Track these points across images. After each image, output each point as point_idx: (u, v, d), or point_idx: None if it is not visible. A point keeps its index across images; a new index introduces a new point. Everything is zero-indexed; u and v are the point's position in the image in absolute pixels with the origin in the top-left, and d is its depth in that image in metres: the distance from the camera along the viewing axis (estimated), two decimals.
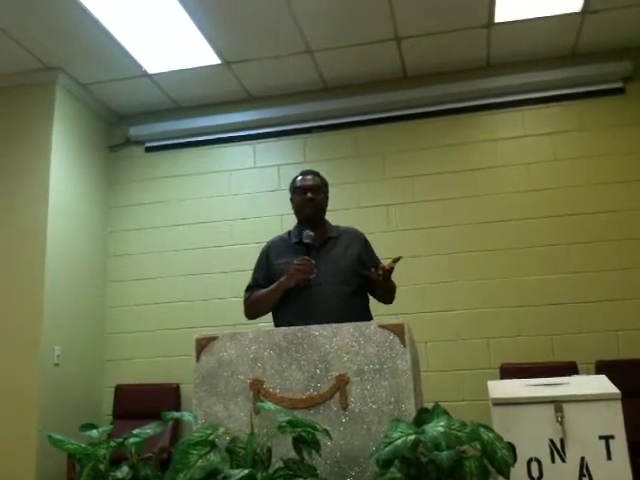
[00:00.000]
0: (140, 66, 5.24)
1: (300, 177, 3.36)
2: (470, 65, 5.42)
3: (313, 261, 3.04)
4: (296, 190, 3.32)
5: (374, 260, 3.26)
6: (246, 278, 5.32)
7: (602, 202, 5.06)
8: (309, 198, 3.25)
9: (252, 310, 3.33)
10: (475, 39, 5.08)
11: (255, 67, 5.34)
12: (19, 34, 4.76)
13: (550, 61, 5.32)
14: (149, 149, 5.97)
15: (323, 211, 3.33)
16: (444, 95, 5.44)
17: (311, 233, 3.15)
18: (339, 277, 3.13)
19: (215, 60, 5.20)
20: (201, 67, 5.30)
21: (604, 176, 5.11)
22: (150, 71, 5.34)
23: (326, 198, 3.36)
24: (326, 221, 3.37)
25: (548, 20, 4.85)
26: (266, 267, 3.33)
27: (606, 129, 5.21)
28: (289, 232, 3.38)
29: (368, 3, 4.57)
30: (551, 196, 5.15)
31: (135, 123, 5.98)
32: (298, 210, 3.33)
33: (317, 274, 3.04)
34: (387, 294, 3.26)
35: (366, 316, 3.13)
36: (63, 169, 5.29)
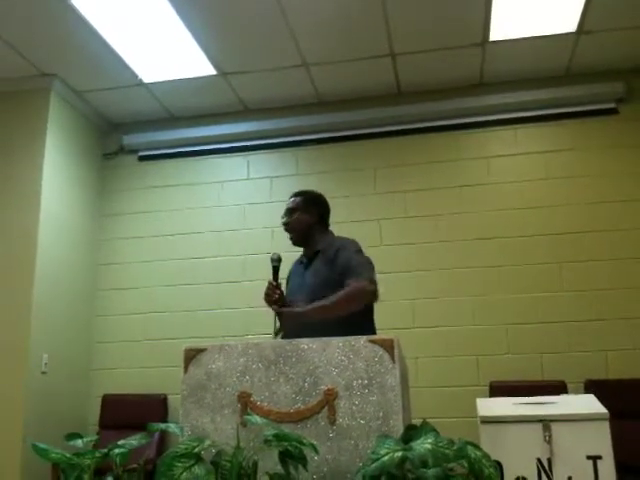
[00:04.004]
0: (136, 75, 5.24)
1: None
2: (464, 83, 5.45)
3: (275, 283, 3.14)
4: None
5: (343, 264, 3.10)
6: (236, 290, 5.39)
7: (594, 222, 5.08)
8: (283, 223, 3.38)
9: None
10: (469, 57, 5.11)
11: (251, 79, 5.36)
12: (15, 40, 4.76)
13: (544, 80, 5.35)
14: (142, 158, 5.96)
15: (301, 230, 3.32)
16: (437, 112, 5.47)
17: (276, 256, 3.20)
18: (308, 295, 3.09)
19: (211, 71, 5.21)
20: (197, 78, 5.31)
21: (596, 196, 5.13)
22: (146, 80, 5.34)
23: (310, 215, 3.33)
24: (326, 234, 3.35)
25: (542, 40, 4.89)
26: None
27: (599, 149, 5.23)
28: None
29: (364, 19, 4.59)
30: (542, 215, 5.17)
31: (129, 132, 5.98)
32: None
33: (295, 292, 3.17)
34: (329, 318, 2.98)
35: (352, 330, 2.61)
36: (55, 176, 5.27)
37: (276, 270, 3.19)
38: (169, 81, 5.35)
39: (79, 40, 4.76)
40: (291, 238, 3.35)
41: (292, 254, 3.44)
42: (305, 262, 3.31)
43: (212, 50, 4.95)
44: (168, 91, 5.52)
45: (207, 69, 5.18)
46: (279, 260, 3.21)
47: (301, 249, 3.41)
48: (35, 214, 5.03)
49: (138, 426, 2.98)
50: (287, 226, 3.35)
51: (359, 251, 3.20)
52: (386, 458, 1.95)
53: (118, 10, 4.43)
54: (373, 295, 3.07)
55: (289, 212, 3.36)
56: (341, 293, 2.98)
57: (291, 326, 3.03)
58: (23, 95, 5.28)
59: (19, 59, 4.98)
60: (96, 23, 4.58)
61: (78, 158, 5.64)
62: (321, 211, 3.40)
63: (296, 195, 3.42)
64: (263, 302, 3.22)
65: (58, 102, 5.35)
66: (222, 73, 5.25)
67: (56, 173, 5.29)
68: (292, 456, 2.06)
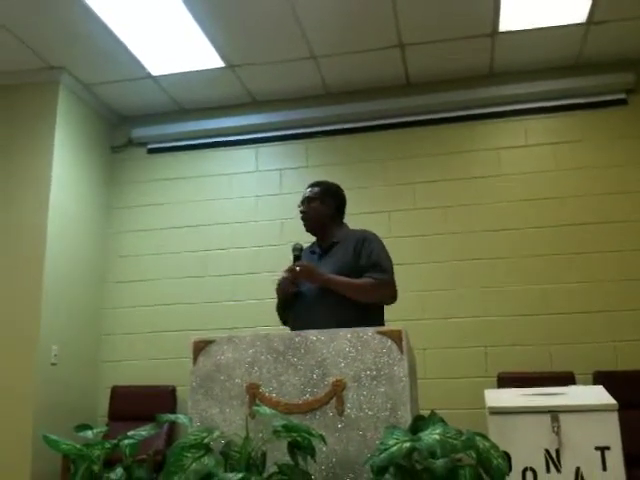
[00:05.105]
0: (144, 68, 5.24)
1: None
2: (473, 73, 5.43)
3: (293, 272, 3.08)
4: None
5: (370, 256, 3.15)
6: (245, 282, 5.40)
7: (603, 213, 5.06)
8: (300, 211, 3.36)
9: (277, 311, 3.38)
10: (479, 48, 5.08)
11: (259, 71, 5.35)
12: (24, 33, 4.77)
13: (553, 71, 5.32)
14: (151, 151, 5.97)
15: (318, 219, 3.32)
16: (447, 103, 5.45)
17: (298, 246, 3.20)
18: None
19: (219, 63, 5.21)
20: (205, 70, 5.31)
21: (605, 187, 5.11)
22: (154, 73, 5.35)
23: (327, 205, 3.34)
24: (341, 226, 3.38)
25: (552, 30, 4.86)
26: None
27: (608, 140, 5.21)
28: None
29: (373, 10, 4.57)
30: (552, 206, 5.15)
31: (138, 125, 5.99)
32: None
33: (298, 282, 3.11)
34: (351, 297, 3.05)
35: (360, 322, 2.65)
36: (64, 169, 5.29)
37: (297, 259, 3.16)
38: (177, 74, 5.36)
39: (87, 33, 4.77)
40: (306, 226, 3.34)
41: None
42: (319, 253, 3.30)
43: (220, 42, 4.95)
44: (176, 84, 5.53)
45: (215, 61, 5.18)
46: (301, 250, 3.21)
47: (309, 240, 3.42)
48: (44, 207, 5.05)
49: (147, 417, 3.00)
50: (304, 214, 3.34)
51: (384, 248, 3.25)
52: (394, 449, 1.96)
53: (126, 2, 4.43)
54: (393, 298, 3.18)
55: (307, 200, 3.34)
56: (371, 280, 3.07)
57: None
58: (31, 88, 5.29)
59: (27, 52, 4.99)
60: (104, 15, 4.58)
61: (87, 151, 5.66)
62: (337, 203, 3.40)
63: (315, 185, 3.41)
64: (272, 294, 3.23)
65: (67, 95, 5.37)
66: (230, 65, 5.25)
67: (65, 166, 5.30)
68: (301, 447, 2.07)
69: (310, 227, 3.34)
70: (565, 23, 4.79)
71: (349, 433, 2.31)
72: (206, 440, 2.06)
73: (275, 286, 3.20)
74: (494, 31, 4.87)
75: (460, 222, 5.25)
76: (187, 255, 5.65)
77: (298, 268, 3.06)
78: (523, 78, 5.35)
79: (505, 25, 4.80)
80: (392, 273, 3.17)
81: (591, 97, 5.27)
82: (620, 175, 5.11)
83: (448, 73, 5.42)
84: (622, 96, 5.22)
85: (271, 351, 2.46)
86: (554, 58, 5.25)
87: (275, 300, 3.27)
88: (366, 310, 3.05)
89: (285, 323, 3.33)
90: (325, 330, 2.46)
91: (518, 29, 4.86)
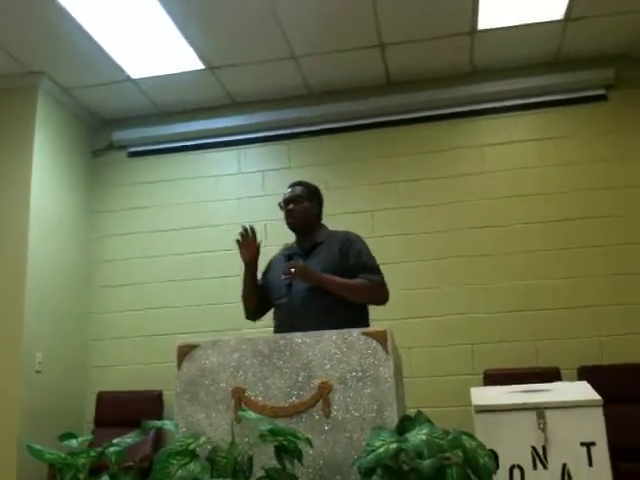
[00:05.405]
0: (123, 71, 5.21)
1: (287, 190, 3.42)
2: (454, 72, 5.44)
3: (289, 274, 3.06)
4: (282, 203, 3.38)
5: (359, 257, 3.18)
6: (229, 284, 5.36)
7: (586, 208, 5.08)
8: (288, 209, 3.32)
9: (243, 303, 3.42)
10: (458, 46, 5.09)
11: (239, 72, 5.33)
12: (3, 38, 4.72)
13: (533, 68, 5.34)
14: (132, 154, 5.93)
15: (307, 219, 3.32)
16: (428, 101, 5.45)
17: (289, 245, 3.23)
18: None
19: (199, 65, 5.18)
20: (185, 72, 5.28)
21: (588, 182, 5.13)
22: (134, 76, 5.31)
23: (314, 206, 3.36)
24: (322, 226, 3.39)
25: (531, 27, 4.88)
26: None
27: (589, 136, 5.23)
28: None
29: (353, 10, 4.57)
30: (535, 203, 5.17)
31: (118, 128, 5.95)
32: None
33: (294, 281, 3.09)
34: (345, 296, 3.08)
35: (351, 322, 2.74)
36: (45, 174, 5.24)
37: (289, 259, 3.16)
38: (157, 76, 5.32)
39: (66, 37, 4.73)
40: (293, 224, 3.32)
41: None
42: (300, 254, 3.27)
43: (199, 44, 4.92)
44: (156, 86, 5.49)
45: (195, 63, 5.15)
46: (290, 249, 3.24)
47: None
48: (25, 212, 5.00)
49: (134, 423, 2.98)
50: (293, 212, 3.30)
51: (369, 249, 3.28)
52: (381, 450, 1.96)
53: (104, 6, 4.40)
54: (386, 299, 3.22)
55: (297, 199, 3.32)
56: (367, 282, 3.11)
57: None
58: (10, 93, 5.23)
59: (6, 56, 4.93)
60: (82, 20, 4.54)
61: (67, 155, 5.61)
62: (320, 203, 3.42)
63: (298, 184, 3.40)
64: None
65: (46, 99, 5.32)
66: (210, 67, 5.23)
67: (45, 171, 5.26)
68: (287, 450, 2.07)
69: (297, 226, 3.32)
70: (543, 20, 4.81)
71: (336, 435, 2.31)
72: (192, 446, 2.05)
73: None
74: (473, 29, 4.88)
75: (444, 220, 5.26)
76: (171, 258, 5.62)
77: (293, 269, 3.04)
78: (503, 75, 5.37)
79: (484, 23, 4.81)
80: (382, 274, 3.19)
81: (571, 93, 5.29)
82: (603, 170, 5.14)
83: (429, 72, 5.43)
84: (602, 92, 5.25)
85: (256, 354, 2.45)
86: (533, 55, 5.27)
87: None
88: (354, 310, 3.08)
89: (249, 315, 3.45)
90: (310, 332, 2.46)
91: (497, 27, 4.87)
